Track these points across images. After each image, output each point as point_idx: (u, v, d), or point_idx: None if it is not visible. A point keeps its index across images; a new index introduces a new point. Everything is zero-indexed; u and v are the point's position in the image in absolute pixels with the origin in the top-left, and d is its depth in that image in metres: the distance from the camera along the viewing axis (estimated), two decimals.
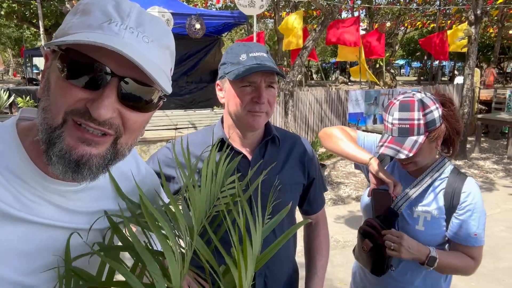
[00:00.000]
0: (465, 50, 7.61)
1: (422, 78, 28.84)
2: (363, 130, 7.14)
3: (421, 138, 1.37)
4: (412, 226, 1.49)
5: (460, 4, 17.40)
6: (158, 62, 0.66)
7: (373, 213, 1.53)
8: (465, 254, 1.47)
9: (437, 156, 1.55)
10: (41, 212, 0.67)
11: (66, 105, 0.61)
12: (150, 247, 0.69)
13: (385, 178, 1.42)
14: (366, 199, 1.65)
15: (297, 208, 1.47)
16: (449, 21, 14.71)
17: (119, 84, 0.62)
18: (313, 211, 1.48)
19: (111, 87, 0.62)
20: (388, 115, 1.43)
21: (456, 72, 28.87)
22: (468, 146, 8.05)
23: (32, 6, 14.46)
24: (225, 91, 1.25)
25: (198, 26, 7.66)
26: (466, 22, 7.76)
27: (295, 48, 9.04)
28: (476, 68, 8.50)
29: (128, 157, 0.76)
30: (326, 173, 6.38)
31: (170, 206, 0.80)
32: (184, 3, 10.34)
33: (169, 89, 0.67)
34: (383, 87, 14.35)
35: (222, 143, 1.24)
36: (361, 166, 1.64)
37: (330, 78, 32.73)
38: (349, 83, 25.72)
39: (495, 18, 16.61)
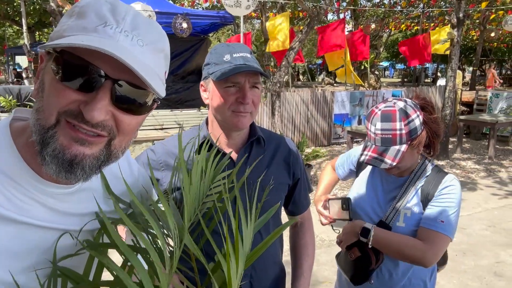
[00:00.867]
0: (447, 52, 7.75)
1: (405, 80, 29.30)
2: (348, 131, 7.23)
3: (404, 147, 1.41)
4: (393, 223, 1.52)
5: (443, 7, 17.71)
6: (152, 65, 0.67)
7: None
8: (424, 239, 1.43)
9: (419, 158, 1.59)
10: (32, 213, 0.67)
11: (59, 106, 0.62)
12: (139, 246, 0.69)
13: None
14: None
15: (282, 209, 1.48)
16: (432, 24, 14.96)
17: (113, 86, 0.63)
18: (299, 211, 1.48)
19: (105, 89, 0.62)
20: (371, 125, 1.46)
21: (439, 74, 29.41)
22: (450, 146, 8.21)
23: (15, 3, 14.17)
24: (209, 92, 1.25)
25: (185, 25, 7.62)
26: (449, 25, 7.91)
27: (280, 49, 9.07)
28: (458, 70, 8.66)
29: (121, 159, 0.76)
30: (312, 173, 6.42)
31: (159, 205, 0.81)
32: (171, 2, 10.28)
33: (162, 93, 0.67)
34: (368, 89, 14.50)
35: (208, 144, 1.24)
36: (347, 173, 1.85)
37: (316, 79, 32.93)
38: (335, 84, 25.94)
39: (477, 21, 16.96)
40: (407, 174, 1.57)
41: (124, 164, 0.89)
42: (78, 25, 0.63)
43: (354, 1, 18.92)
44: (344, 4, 19.49)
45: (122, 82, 0.63)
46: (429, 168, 1.56)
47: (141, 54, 0.65)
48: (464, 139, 9.00)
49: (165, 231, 0.66)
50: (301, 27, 10.73)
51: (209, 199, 0.74)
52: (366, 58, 11.47)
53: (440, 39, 10.16)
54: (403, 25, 15.78)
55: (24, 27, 9.00)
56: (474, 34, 19.03)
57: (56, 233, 0.70)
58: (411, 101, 1.48)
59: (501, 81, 16.68)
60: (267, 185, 1.27)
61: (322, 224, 1.68)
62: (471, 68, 24.44)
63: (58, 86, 0.62)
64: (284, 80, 8.11)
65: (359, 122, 9.25)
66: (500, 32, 15.96)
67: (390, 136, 1.41)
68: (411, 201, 1.52)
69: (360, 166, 1.75)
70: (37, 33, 18.84)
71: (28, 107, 0.72)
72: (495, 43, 20.80)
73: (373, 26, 17.65)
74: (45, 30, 19.23)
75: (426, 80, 30.51)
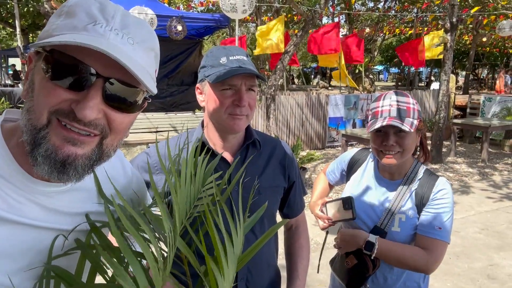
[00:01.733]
0: (441, 56, 7.81)
1: (400, 83, 29.47)
2: (343, 134, 7.26)
3: (416, 122, 1.44)
4: (388, 228, 1.52)
5: (437, 12, 17.87)
6: (143, 63, 0.67)
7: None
8: (423, 247, 1.45)
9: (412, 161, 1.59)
10: (26, 213, 0.66)
11: (50, 105, 0.61)
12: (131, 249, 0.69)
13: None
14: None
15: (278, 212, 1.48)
16: (426, 28, 15.09)
17: (104, 85, 0.63)
18: (294, 214, 1.48)
19: (96, 88, 0.62)
20: (383, 100, 1.48)
21: (432, 78, 29.64)
22: (444, 150, 8.26)
23: (8, 5, 14.09)
24: (205, 95, 1.24)
25: (180, 28, 7.63)
26: (443, 30, 7.97)
27: (275, 52, 9.09)
28: (451, 74, 8.73)
29: (115, 159, 0.76)
30: (307, 176, 6.42)
31: (152, 209, 0.80)
32: (166, 5, 10.27)
33: (154, 90, 0.68)
34: (362, 92, 14.58)
35: (203, 147, 1.23)
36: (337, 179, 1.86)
37: (311, 83, 33.05)
38: (329, 88, 26.03)
39: (470, 26, 17.12)
40: (398, 178, 1.57)
41: (118, 165, 0.89)
42: (68, 24, 0.62)
43: (349, 5, 19.04)
44: (339, 8, 19.61)
45: (113, 80, 0.63)
46: (421, 171, 1.57)
47: (132, 52, 0.64)
48: (457, 143, 9.07)
49: (157, 235, 0.66)
50: (296, 31, 10.78)
51: (200, 202, 0.74)
52: (361, 62, 11.53)
53: (434, 43, 10.26)
54: (397, 29, 15.90)
55: (18, 29, 8.95)
56: (467, 38, 19.22)
57: (49, 233, 0.69)
58: None
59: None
60: (262, 188, 1.27)
61: (321, 228, 1.66)
62: (464, 72, 24.65)
63: (49, 85, 0.61)
64: (279, 83, 8.12)
65: (354, 126, 9.29)
66: (493, 37, 16.13)
67: (405, 108, 1.44)
68: (405, 205, 1.52)
69: (350, 169, 1.74)
70: (31, 35, 18.74)
71: (20, 109, 0.71)
72: (487, 48, 21.00)
73: (367, 30, 17.76)
74: (39, 32, 19.13)
75: (420, 84, 30.72)
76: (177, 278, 0.75)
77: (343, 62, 10.11)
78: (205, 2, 12.32)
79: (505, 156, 8.55)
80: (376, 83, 29.69)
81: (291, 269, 1.45)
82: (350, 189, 1.70)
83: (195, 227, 0.71)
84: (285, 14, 13.27)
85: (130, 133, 6.89)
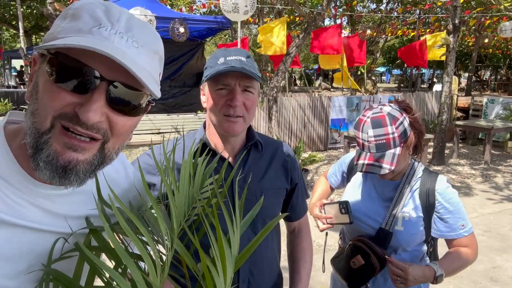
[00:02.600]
0: (443, 58, 7.80)
1: (402, 85, 29.42)
2: (345, 136, 7.26)
3: (398, 150, 1.42)
4: (392, 227, 1.52)
5: (439, 13, 17.85)
6: (147, 67, 0.67)
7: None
8: (460, 246, 1.52)
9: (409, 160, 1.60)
10: (27, 215, 0.66)
11: (54, 109, 0.61)
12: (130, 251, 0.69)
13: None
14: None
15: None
16: (428, 30, 15.07)
17: (108, 88, 0.63)
18: (296, 217, 1.47)
19: (100, 91, 0.62)
20: (362, 133, 1.46)
21: (435, 80, 29.59)
22: (446, 152, 8.24)
23: (11, 7, 14.16)
24: (205, 95, 1.25)
25: (182, 30, 7.64)
26: (445, 31, 7.96)
27: (278, 54, 9.10)
28: (454, 76, 8.72)
29: (117, 162, 0.75)
30: (308, 177, 6.42)
31: (152, 211, 0.80)
32: (168, 7, 10.30)
33: (158, 94, 0.67)
34: (365, 94, 14.57)
35: (204, 148, 1.23)
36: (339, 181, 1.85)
37: (313, 84, 33.05)
38: (332, 89, 26.02)
39: (473, 27, 17.10)
40: (399, 178, 1.57)
41: (120, 168, 0.89)
42: (73, 27, 0.62)
43: (351, 7, 19.04)
44: (341, 10, 19.62)
45: (117, 83, 0.63)
46: (420, 169, 1.58)
47: (137, 56, 0.65)
48: (460, 145, 9.04)
49: (155, 237, 0.65)
50: (298, 32, 10.78)
51: (199, 203, 0.74)
52: (363, 63, 11.53)
53: (436, 44, 10.24)
54: (399, 31, 15.89)
55: (21, 31, 8.99)
56: (469, 40, 19.19)
57: (50, 236, 0.69)
58: (394, 105, 1.50)
59: None
60: (264, 190, 1.27)
61: (320, 230, 1.66)
62: (466, 74, 24.60)
63: (53, 88, 0.61)
64: (281, 85, 8.12)
65: None
66: (495, 38, 16.10)
67: (384, 141, 1.42)
68: (408, 204, 1.53)
69: (351, 171, 1.75)
70: (34, 36, 18.81)
71: (24, 110, 0.71)
72: (490, 49, 20.96)
73: (369, 31, 17.76)
74: (42, 33, 19.20)
75: (422, 86, 30.67)
76: (176, 280, 0.74)
77: (345, 63, 10.11)
78: (208, 4, 12.35)
79: (508, 158, 8.51)
80: (378, 84, 29.66)
81: (293, 272, 1.44)
82: (351, 191, 1.70)
83: (193, 229, 0.71)
84: (287, 15, 13.28)
85: (132, 134, 6.88)
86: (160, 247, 0.65)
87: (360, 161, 1.47)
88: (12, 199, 0.65)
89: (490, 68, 32.01)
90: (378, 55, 21.90)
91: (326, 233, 1.79)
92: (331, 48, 9.68)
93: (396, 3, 19.23)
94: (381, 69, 42.39)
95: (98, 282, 0.65)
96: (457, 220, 1.51)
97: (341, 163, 1.83)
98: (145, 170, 1.26)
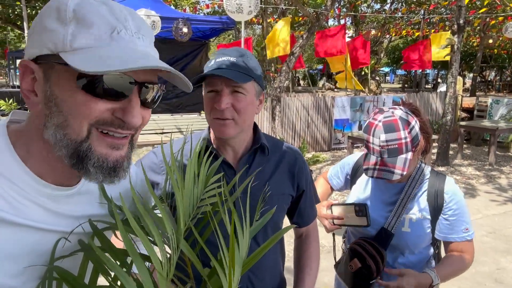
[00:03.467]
0: (448, 58, 7.76)
1: (406, 85, 29.33)
2: (349, 136, 7.25)
3: (410, 155, 1.41)
4: (398, 228, 1.51)
5: (444, 13, 17.78)
6: (158, 57, 0.71)
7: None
8: (459, 251, 1.52)
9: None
10: (30, 215, 0.66)
11: (90, 118, 0.63)
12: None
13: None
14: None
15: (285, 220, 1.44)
16: (433, 30, 15.01)
17: (141, 90, 0.67)
18: (304, 223, 1.43)
19: (135, 94, 0.66)
20: (373, 137, 1.43)
21: (439, 80, 29.46)
22: (451, 152, 8.20)
23: (16, 8, 14.23)
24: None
25: (185, 30, 7.66)
26: (450, 31, 7.93)
27: (282, 54, 9.09)
28: (458, 77, 8.68)
29: None
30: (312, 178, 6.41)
31: (155, 211, 0.80)
32: (172, 7, 10.31)
33: (189, 84, 0.73)
34: (369, 94, 14.53)
35: (207, 151, 1.22)
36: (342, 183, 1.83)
37: (317, 84, 33.00)
38: (335, 90, 25.98)
39: (478, 27, 17.02)
40: (405, 180, 1.56)
41: None
42: (90, 35, 0.62)
43: (355, 7, 18.99)
44: (345, 10, 19.58)
45: (147, 84, 0.67)
46: (427, 171, 1.57)
47: (154, 52, 0.68)
48: (464, 145, 9.00)
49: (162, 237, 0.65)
50: (302, 33, 10.77)
51: (203, 203, 0.74)
52: (367, 64, 11.49)
53: (441, 45, 10.19)
54: (404, 31, 15.83)
55: (26, 31, 9.03)
56: (474, 40, 19.10)
57: (52, 235, 0.69)
58: (404, 108, 1.48)
59: None
60: (268, 196, 1.23)
61: (328, 231, 1.63)
62: (471, 74, 24.47)
63: (86, 98, 0.62)
64: (285, 85, 8.12)
65: (360, 128, 9.25)
66: (500, 38, 16.02)
67: (396, 146, 1.39)
68: (415, 206, 1.52)
69: (355, 173, 1.73)
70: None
71: (29, 110, 0.72)
72: (495, 50, 20.85)
73: (373, 32, 17.71)
74: None
75: (426, 86, 30.57)
76: (180, 280, 0.74)
77: (349, 64, 10.08)
78: (211, 4, 12.36)
79: None
80: (383, 85, 29.58)
81: (298, 279, 1.40)
82: (356, 193, 1.69)
83: (199, 229, 0.71)
84: (291, 16, 13.27)
85: None
86: (166, 247, 0.65)
87: (370, 166, 1.44)
88: (15, 198, 0.65)
89: (495, 69, 31.84)
90: (382, 55, 21.84)
91: (333, 234, 1.78)
92: (335, 49, 9.65)
93: (401, 3, 19.17)
94: (385, 69, 42.26)
95: (101, 281, 0.65)
96: (462, 223, 1.50)
97: (344, 165, 1.80)
98: (150, 168, 1.26)
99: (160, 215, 0.66)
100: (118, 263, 0.63)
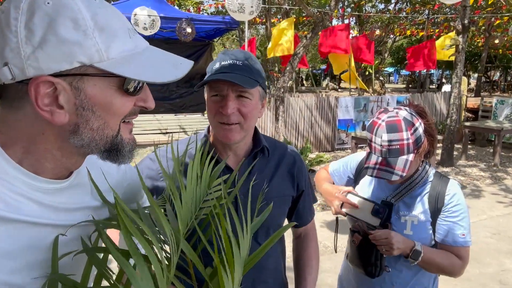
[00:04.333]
0: (452, 58, 7.73)
1: (410, 85, 29.24)
2: (352, 137, 7.24)
3: (411, 156, 1.40)
4: (400, 231, 1.51)
5: (448, 13, 17.70)
6: None
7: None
8: (453, 254, 1.49)
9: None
10: (24, 210, 0.66)
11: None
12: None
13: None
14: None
15: (286, 221, 1.43)
16: (437, 30, 14.95)
17: None
18: (303, 223, 1.44)
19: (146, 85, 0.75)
20: (375, 137, 1.43)
21: (444, 80, 29.34)
22: (455, 153, 8.16)
23: None
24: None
25: (189, 30, 7.66)
26: (454, 31, 7.89)
27: (284, 54, 9.08)
28: (463, 77, 8.64)
29: None
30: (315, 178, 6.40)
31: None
32: (176, 7, 10.33)
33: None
34: (372, 94, 14.49)
35: (207, 153, 1.22)
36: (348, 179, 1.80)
37: (320, 85, 32.96)
38: (339, 90, 25.94)
39: (482, 27, 16.92)
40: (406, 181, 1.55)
41: None
42: (119, 43, 0.66)
43: (359, 7, 18.95)
44: (349, 10, 19.55)
45: None
46: (431, 173, 1.55)
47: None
48: (469, 146, 8.94)
49: (161, 237, 0.65)
50: (305, 33, 10.75)
51: (205, 204, 0.74)
52: (371, 63, 11.46)
53: (445, 45, 10.14)
54: (408, 31, 15.77)
55: None
56: (479, 40, 19.00)
57: (49, 230, 0.69)
58: (409, 109, 1.47)
59: None
60: (269, 197, 1.20)
61: (335, 213, 1.60)
62: (476, 75, 24.36)
63: (125, 99, 0.69)
64: (288, 85, 8.11)
65: (363, 128, 9.22)
66: (505, 39, 15.92)
67: (398, 146, 1.39)
68: (417, 208, 1.51)
69: (359, 173, 1.72)
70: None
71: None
72: (500, 50, 20.73)
73: (377, 32, 17.66)
74: None
75: (431, 86, 30.44)
76: (181, 281, 0.74)
77: (353, 63, 10.05)
78: (215, 4, 12.38)
79: None
80: (387, 85, 29.51)
81: (299, 279, 1.40)
82: (359, 193, 1.68)
83: (200, 230, 0.71)
84: (295, 16, 13.26)
85: (139, 134, 6.92)
86: (166, 248, 0.65)
87: (371, 165, 1.44)
88: (8, 195, 0.64)
89: (500, 69, 31.68)
90: (386, 55, 21.79)
91: (337, 218, 1.77)
92: (339, 47, 9.62)
93: (405, 3, 19.11)
94: (390, 69, 42.13)
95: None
96: (459, 228, 1.47)
97: (347, 164, 1.79)
98: (147, 175, 1.24)
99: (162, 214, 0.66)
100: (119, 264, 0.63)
